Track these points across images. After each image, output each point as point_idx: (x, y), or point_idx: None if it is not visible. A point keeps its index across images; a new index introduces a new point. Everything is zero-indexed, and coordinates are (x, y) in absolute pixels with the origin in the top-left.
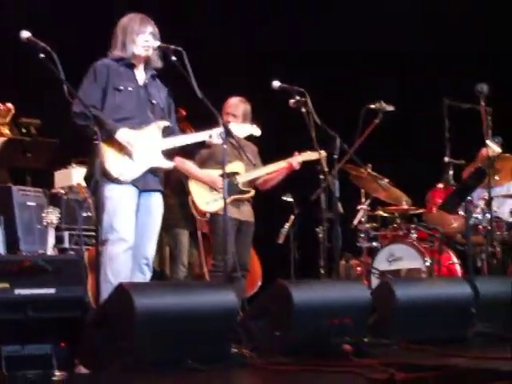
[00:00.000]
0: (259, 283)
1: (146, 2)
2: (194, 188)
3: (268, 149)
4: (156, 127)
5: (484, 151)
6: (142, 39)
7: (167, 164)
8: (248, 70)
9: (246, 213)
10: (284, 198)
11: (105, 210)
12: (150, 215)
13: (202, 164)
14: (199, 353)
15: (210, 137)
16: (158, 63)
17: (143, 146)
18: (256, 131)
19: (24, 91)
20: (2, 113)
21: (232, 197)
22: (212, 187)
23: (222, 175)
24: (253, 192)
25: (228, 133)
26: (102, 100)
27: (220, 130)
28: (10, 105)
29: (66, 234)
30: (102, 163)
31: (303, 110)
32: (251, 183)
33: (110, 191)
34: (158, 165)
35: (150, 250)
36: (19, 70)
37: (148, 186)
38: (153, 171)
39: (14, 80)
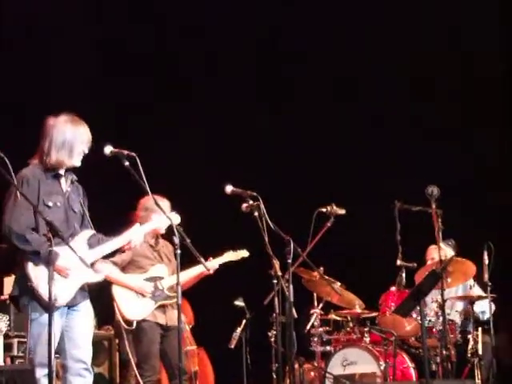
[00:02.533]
0: None
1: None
2: (119, 295)
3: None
4: (82, 239)
5: (430, 250)
6: (80, 149)
7: (98, 277)
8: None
9: (172, 317)
10: (236, 303)
11: (30, 333)
12: (82, 323)
13: (123, 269)
14: None
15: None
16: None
17: (73, 263)
18: (175, 218)
19: None
20: None
21: (158, 303)
22: (139, 292)
23: (147, 279)
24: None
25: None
26: (34, 217)
27: (137, 228)
28: None
29: (15, 341)
30: (34, 287)
31: (256, 213)
32: (172, 287)
33: (35, 315)
34: (89, 280)
35: (86, 354)
36: None
37: (76, 301)
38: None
39: None
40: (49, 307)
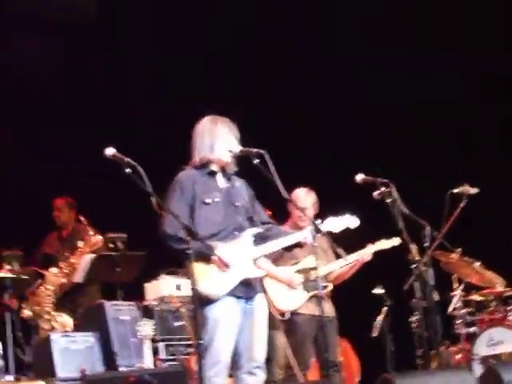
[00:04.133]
0: (357, 379)
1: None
2: (271, 286)
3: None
4: (247, 236)
5: None
6: (224, 144)
7: (259, 273)
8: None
9: (327, 309)
10: (375, 292)
11: (205, 330)
12: (257, 320)
13: (276, 260)
14: None
15: (305, 238)
16: (234, 168)
17: (236, 258)
18: (354, 222)
19: (108, 205)
20: (89, 243)
21: (311, 293)
22: (290, 285)
23: (299, 271)
24: (331, 286)
25: (318, 230)
26: (190, 216)
27: (311, 228)
28: (99, 238)
29: (161, 345)
30: (193, 285)
31: (388, 200)
32: (326, 278)
33: (208, 312)
34: (250, 275)
35: (260, 352)
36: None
37: (248, 294)
38: (246, 280)
39: (99, 196)
40: (204, 302)
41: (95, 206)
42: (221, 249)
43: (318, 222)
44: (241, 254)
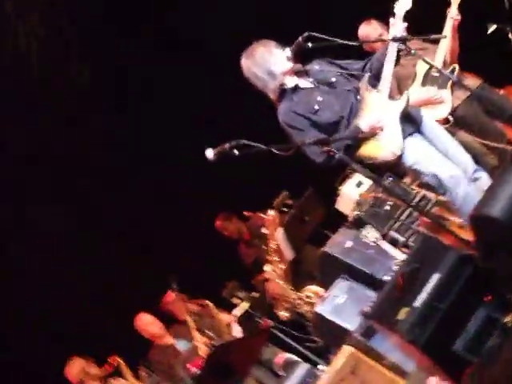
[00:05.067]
0: None
1: None
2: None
3: None
4: (363, 84)
5: None
6: (278, 60)
7: (403, 100)
8: None
9: (469, 82)
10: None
11: (420, 173)
12: (436, 134)
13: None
14: None
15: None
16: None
17: (374, 111)
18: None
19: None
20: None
21: (448, 86)
22: (432, 103)
23: (424, 82)
24: (456, 66)
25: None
26: (315, 126)
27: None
28: (272, 214)
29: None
30: (376, 161)
31: None
32: (445, 63)
33: (407, 161)
34: (399, 109)
35: (466, 157)
36: None
37: (415, 127)
38: (403, 117)
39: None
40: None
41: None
42: (361, 120)
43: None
44: (373, 104)
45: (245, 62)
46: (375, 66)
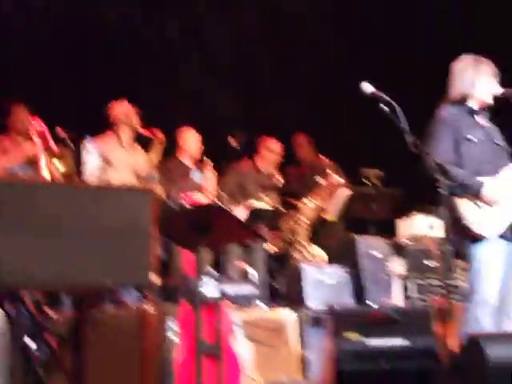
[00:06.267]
0: None
1: None
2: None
3: None
4: (510, 172)
5: None
6: (487, 83)
7: None
8: None
9: None
10: None
11: (471, 270)
12: None
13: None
14: None
15: None
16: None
17: (503, 196)
18: None
19: (366, 141)
20: (332, 185)
21: None
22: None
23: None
24: None
25: None
26: (455, 151)
27: None
28: (342, 181)
29: (410, 284)
30: (460, 220)
31: None
32: None
33: (475, 251)
34: None
35: None
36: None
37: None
38: None
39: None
40: (475, 239)
41: (349, 141)
42: (489, 184)
43: None
44: (508, 189)
45: (469, 59)
46: None
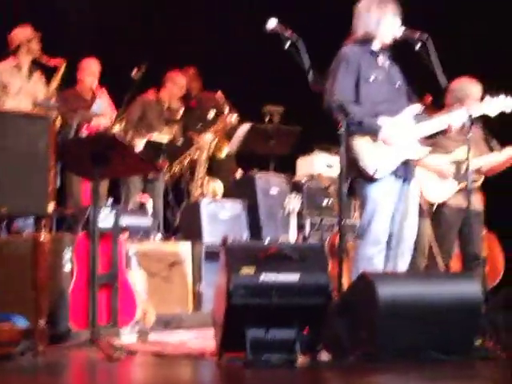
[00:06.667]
0: (501, 274)
1: None
2: (421, 175)
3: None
4: (409, 113)
5: None
6: (391, 23)
7: (423, 152)
8: None
9: (475, 202)
10: None
11: (364, 209)
12: (411, 203)
13: None
14: (441, 344)
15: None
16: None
17: (399, 137)
18: (509, 105)
19: (268, 78)
20: (224, 121)
21: (460, 185)
22: (440, 175)
23: (451, 162)
24: (481, 179)
25: (473, 122)
26: (355, 92)
27: (464, 111)
28: (235, 115)
29: (307, 221)
30: (356, 161)
31: None
32: (479, 170)
33: (369, 191)
34: (414, 156)
35: (412, 235)
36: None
37: (407, 175)
38: (408, 160)
39: (258, 68)
40: (369, 179)
41: (253, 77)
42: (387, 125)
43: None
44: (404, 132)
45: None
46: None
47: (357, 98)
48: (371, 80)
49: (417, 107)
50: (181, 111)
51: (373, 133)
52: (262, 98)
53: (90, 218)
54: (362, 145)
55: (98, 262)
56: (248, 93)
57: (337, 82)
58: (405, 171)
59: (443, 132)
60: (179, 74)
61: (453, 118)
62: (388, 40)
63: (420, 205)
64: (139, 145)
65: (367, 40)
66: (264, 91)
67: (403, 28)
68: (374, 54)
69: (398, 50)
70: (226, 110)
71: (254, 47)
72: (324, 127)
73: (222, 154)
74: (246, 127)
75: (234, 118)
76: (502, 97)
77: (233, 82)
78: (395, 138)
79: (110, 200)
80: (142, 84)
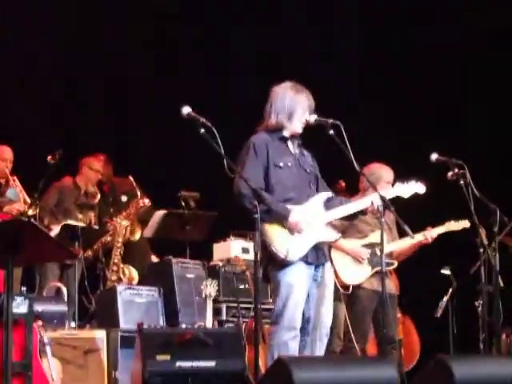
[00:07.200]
0: (417, 357)
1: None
2: (336, 258)
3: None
4: (319, 200)
5: None
6: (302, 116)
7: (333, 236)
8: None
9: (389, 285)
10: (442, 272)
11: (277, 295)
12: (326, 287)
13: (343, 233)
14: None
15: (372, 203)
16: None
17: (309, 222)
18: (421, 188)
19: (184, 166)
20: (136, 205)
21: (375, 269)
22: (355, 258)
23: (366, 246)
24: (396, 264)
25: (386, 205)
26: (264, 178)
27: (377, 195)
28: (147, 201)
29: (223, 307)
30: (268, 246)
31: (461, 182)
32: (391, 255)
33: (281, 277)
34: (324, 239)
35: (329, 320)
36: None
37: (319, 260)
38: (318, 245)
39: (174, 154)
40: (283, 263)
41: (169, 164)
42: (295, 212)
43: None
44: (313, 217)
45: (289, 88)
46: (335, 202)
47: (267, 185)
48: (281, 165)
49: (326, 194)
50: (98, 196)
51: (281, 219)
52: (177, 183)
53: (3, 305)
54: (273, 229)
55: (12, 350)
56: (163, 179)
57: (247, 169)
58: (317, 256)
59: (362, 212)
60: (95, 159)
61: (365, 203)
62: (299, 129)
63: (335, 288)
64: (55, 230)
65: (278, 129)
66: (179, 177)
67: (315, 116)
68: (284, 140)
69: (313, 135)
70: (139, 194)
71: (168, 133)
72: (239, 212)
73: (136, 237)
74: (161, 213)
75: (146, 201)
76: (412, 182)
77: (148, 168)
78: (303, 224)
79: (24, 286)
80: (55, 171)
